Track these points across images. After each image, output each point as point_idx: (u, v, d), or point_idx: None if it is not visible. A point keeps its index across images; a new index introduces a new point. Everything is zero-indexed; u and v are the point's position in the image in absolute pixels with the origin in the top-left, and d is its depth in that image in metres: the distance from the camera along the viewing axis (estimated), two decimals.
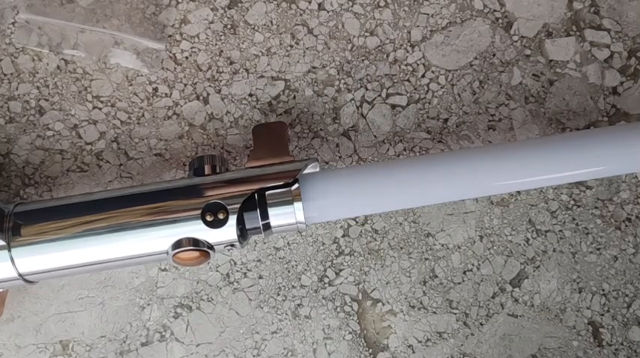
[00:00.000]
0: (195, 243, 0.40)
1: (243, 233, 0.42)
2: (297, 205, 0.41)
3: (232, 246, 0.42)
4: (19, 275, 0.42)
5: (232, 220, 0.40)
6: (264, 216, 0.42)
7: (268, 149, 0.44)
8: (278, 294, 0.52)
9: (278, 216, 0.42)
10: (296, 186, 0.42)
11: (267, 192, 0.41)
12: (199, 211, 0.40)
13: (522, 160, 0.44)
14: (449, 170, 0.44)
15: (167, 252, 0.41)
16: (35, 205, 0.44)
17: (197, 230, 0.41)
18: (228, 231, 0.41)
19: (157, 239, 0.41)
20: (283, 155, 0.44)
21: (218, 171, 0.44)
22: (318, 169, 0.45)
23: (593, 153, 0.44)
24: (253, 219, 0.42)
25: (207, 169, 0.43)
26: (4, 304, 0.49)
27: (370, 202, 0.45)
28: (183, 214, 0.41)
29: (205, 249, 0.41)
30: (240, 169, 0.44)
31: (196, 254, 0.41)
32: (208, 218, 0.40)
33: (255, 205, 0.41)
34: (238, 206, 0.41)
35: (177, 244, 0.41)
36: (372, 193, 0.44)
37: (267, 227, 0.42)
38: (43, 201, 0.44)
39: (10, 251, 0.41)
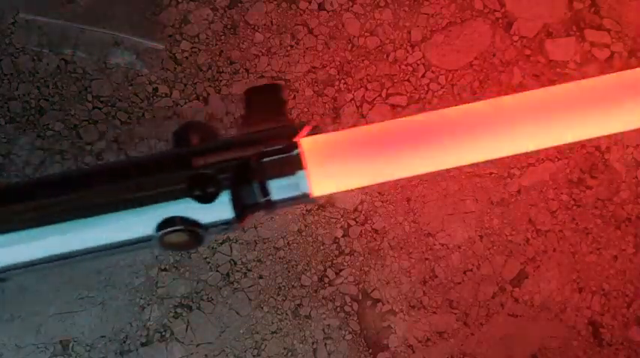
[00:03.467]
0: (184, 221, 0.35)
1: (240, 209, 0.37)
2: (301, 173, 0.36)
3: (228, 225, 0.37)
4: None
5: (225, 194, 0.36)
6: (264, 188, 0.36)
7: (263, 112, 0.39)
8: (278, 294, 0.52)
9: (280, 188, 0.36)
10: (297, 151, 0.36)
11: (264, 160, 0.36)
12: (185, 185, 0.35)
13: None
14: (466, 130, 0.40)
15: (151, 237, 0.36)
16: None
17: (185, 208, 0.36)
18: (222, 208, 0.35)
19: (137, 222, 0.35)
20: (280, 118, 0.39)
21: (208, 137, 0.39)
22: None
23: None
24: (250, 193, 0.36)
25: (193, 139, 0.37)
26: None
27: (383, 167, 0.40)
28: (165, 189, 0.35)
29: (197, 229, 0.36)
30: (231, 136, 0.39)
31: (187, 236, 0.36)
32: (196, 192, 0.35)
33: (251, 175, 0.36)
34: (230, 176, 0.36)
35: (163, 225, 0.35)
36: (383, 157, 0.39)
37: (268, 202, 0.37)
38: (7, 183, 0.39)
39: None
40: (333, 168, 0.37)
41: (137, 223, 0.34)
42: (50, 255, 0.33)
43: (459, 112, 0.41)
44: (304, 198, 0.36)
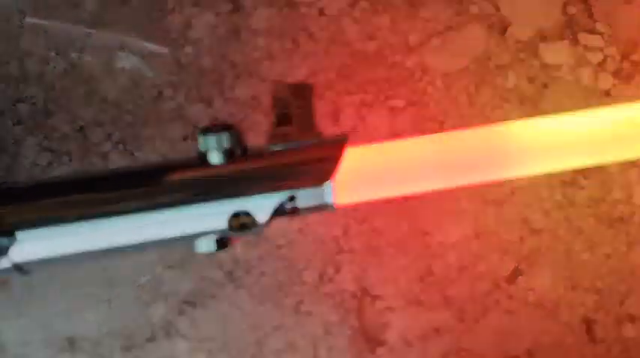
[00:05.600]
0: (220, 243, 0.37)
1: (269, 217, 0.38)
2: (327, 186, 0.37)
3: (255, 231, 0.38)
4: (14, 265, 0.35)
5: (261, 222, 0.37)
6: (291, 197, 0.37)
7: (292, 121, 0.39)
8: (279, 291, 0.53)
9: (305, 197, 0.37)
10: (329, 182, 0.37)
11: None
12: (224, 219, 0.37)
13: None
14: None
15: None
16: (33, 181, 0.39)
17: (222, 233, 0.37)
18: (254, 230, 0.37)
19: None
20: (310, 129, 0.39)
21: (239, 153, 0.38)
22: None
23: None
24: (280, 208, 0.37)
25: (224, 157, 0.37)
26: None
27: (403, 180, 0.40)
28: (205, 218, 0.37)
29: (229, 243, 0.38)
30: (263, 152, 0.38)
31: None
32: (234, 224, 0.37)
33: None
34: (269, 213, 0.37)
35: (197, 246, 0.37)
36: (406, 170, 0.39)
37: (293, 211, 0.38)
38: (40, 178, 0.41)
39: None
40: (357, 180, 0.39)
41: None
42: (98, 247, 0.36)
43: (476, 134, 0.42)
44: (328, 207, 0.38)
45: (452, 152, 0.42)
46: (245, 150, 0.38)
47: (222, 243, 0.37)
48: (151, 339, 0.52)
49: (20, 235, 0.35)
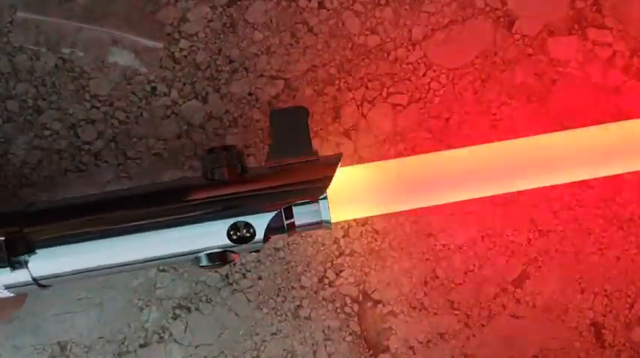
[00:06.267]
0: (221, 257, 0.41)
1: (266, 233, 0.42)
2: (323, 203, 0.41)
3: (257, 251, 0.43)
4: (33, 279, 0.40)
5: (260, 236, 0.41)
6: (288, 215, 0.42)
7: (289, 142, 0.43)
8: (278, 295, 0.52)
9: (302, 213, 0.41)
10: (324, 195, 0.41)
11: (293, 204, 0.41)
12: (224, 230, 0.41)
13: None
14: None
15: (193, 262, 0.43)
16: (51, 204, 0.44)
17: (223, 246, 0.41)
18: (254, 245, 0.41)
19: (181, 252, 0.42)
20: (306, 149, 0.43)
21: (240, 171, 0.42)
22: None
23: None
24: (276, 217, 0.41)
25: (225, 173, 0.42)
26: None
27: (400, 198, 0.44)
28: (206, 230, 0.41)
29: (232, 258, 0.42)
30: (261, 171, 0.42)
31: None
32: (234, 236, 0.41)
33: (281, 215, 0.41)
34: (266, 225, 0.40)
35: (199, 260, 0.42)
36: (403, 188, 0.44)
37: (291, 227, 0.42)
38: (57, 201, 0.45)
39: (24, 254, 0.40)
40: (353, 197, 0.43)
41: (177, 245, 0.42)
42: (109, 263, 0.42)
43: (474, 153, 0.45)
44: (325, 224, 0.41)
45: (449, 168, 0.44)
46: (245, 169, 0.43)
47: (224, 257, 0.41)
48: (145, 345, 0.52)
49: (40, 252, 0.40)
